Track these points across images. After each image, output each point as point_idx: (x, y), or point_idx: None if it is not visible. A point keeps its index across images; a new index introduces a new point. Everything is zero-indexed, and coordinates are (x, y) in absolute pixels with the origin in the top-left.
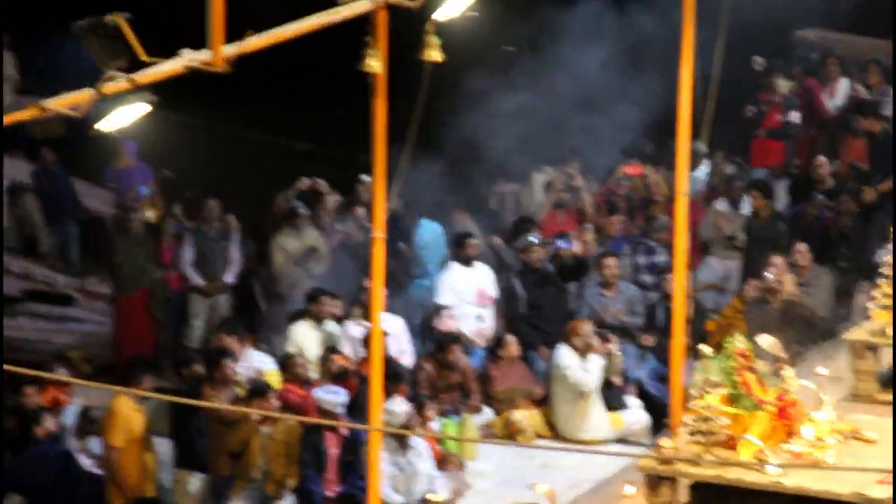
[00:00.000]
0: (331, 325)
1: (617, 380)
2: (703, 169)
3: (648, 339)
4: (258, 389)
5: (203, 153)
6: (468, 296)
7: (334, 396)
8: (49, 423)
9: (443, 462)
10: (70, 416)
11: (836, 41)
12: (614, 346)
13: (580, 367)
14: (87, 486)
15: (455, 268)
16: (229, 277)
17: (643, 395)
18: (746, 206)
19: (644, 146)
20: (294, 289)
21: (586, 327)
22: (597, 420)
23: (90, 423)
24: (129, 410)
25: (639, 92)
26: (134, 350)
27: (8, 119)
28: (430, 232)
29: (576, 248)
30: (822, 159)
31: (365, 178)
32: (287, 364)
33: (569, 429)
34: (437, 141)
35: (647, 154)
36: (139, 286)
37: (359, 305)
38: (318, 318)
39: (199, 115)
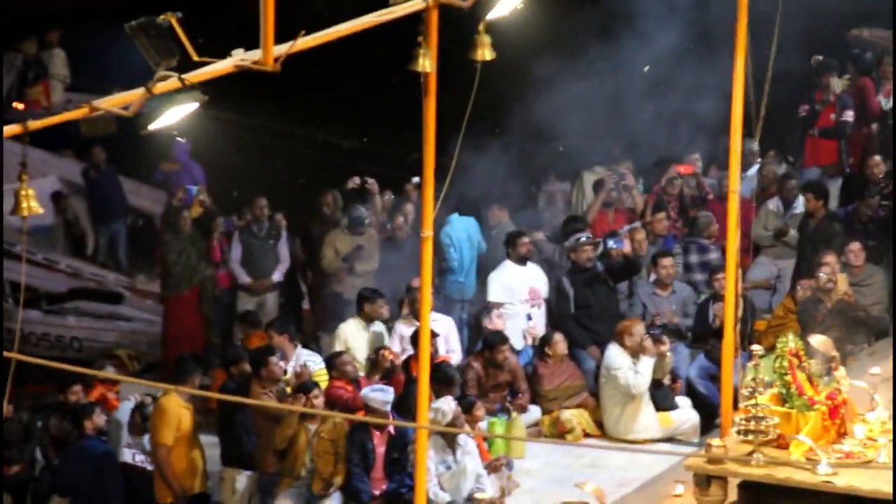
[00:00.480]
0: (379, 326)
1: (666, 380)
2: (755, 168)
3: (698, 340)
4: (303, 386)
5: (253, 151)
6: (521, 294)
7: (382, 394)
8: (98, 419)
9: (490, 461)
10: (124, 412)
11: (891, 40)
12: (666, 347)
13: (631, 368)
14: (131, 483)
15: (508, 266)
16: (277, 276)
17: (693, 393)
18: (799, 206)
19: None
20: (343, 287)
21: (639, 328)
22: (646, 420)
23: (144, 420)
24: (178, 407)
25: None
26: (183, 348)
27: (60, 118)
28: (461, 227)
29: (626, 247)
30: (876, 159)
31: (415, 179)
32: (334, 362)
33: (618, 429)
34: (488, 137)
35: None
36: (190, 284)
37: (406, 304)
38: (368, 318)
39: (250, 113)
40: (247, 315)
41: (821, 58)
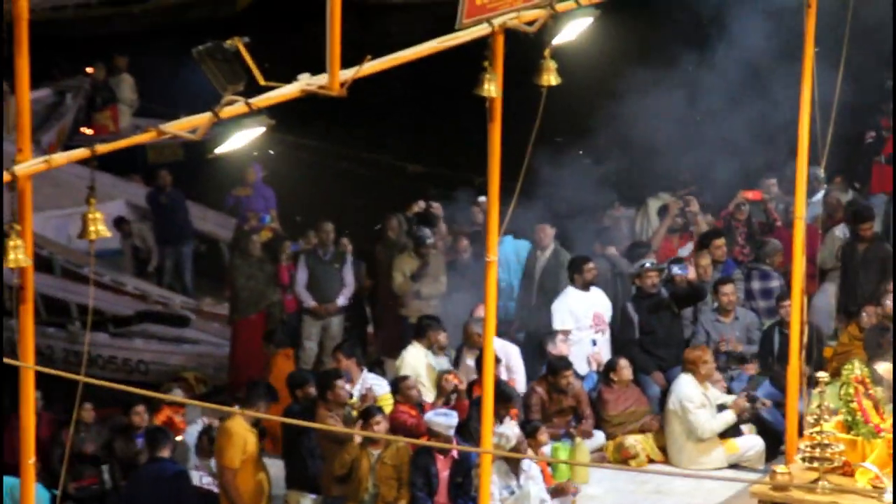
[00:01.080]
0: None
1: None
2: (821, 194)
3: (752, 368)
4: (366, 412)
5: (318, 175)
6: (585, 320)
7: (445, 419)
8: (168, 443)
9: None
10: (192, 435)
11: None
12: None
13: (704, 404)
14: None
15: (571, 292)
16: (342, 300)
17: (759, 420)
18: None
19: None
20: (409, 311)
21: (709, 356)
22: (711, 452)
23: (211, 443)
24: (244, 431)
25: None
26: (250, 371)
27: (127, 142)
28: (511, 250)
29: (691, 273)
30: None
31: (481, 199)
32: (399, 386)
33: (681, 459)
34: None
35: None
36: (258, 308)
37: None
38: (428, 346)
39: (316, 137)
40: (272, 334)
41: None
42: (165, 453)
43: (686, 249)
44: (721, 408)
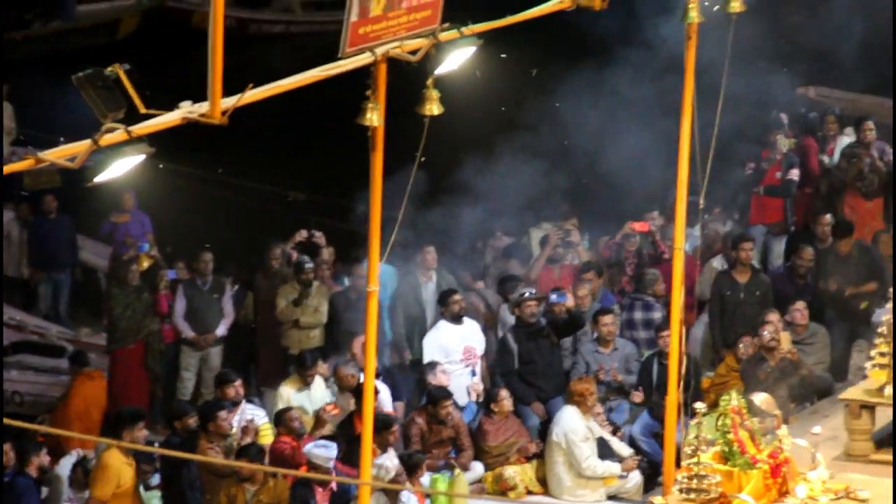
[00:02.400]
0: (319, 385)
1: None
2: (700, 226)
3: (638, 396)
4: (245, 451)
5: (199, 203)
6: (456, 354)
7: (325, 450)
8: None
9: None
10: (66, 467)
11: (835, 99)
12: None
13: (586, 433)
14: None
15: (442, 325)
16: (222, 330)
17: (636, 451)
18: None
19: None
20: (290, 342)
21: (594, 388)
22: (590, 483)
23: (86, 475)
24: (120, 464)
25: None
26: (129, 402)
27: (6, 169)
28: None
29: (569, 302)
30: (827, 217)
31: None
32: (282, 418)
33: (561, 490)
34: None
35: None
36: (136, 338)
37: (342, 373)
38: (305, 381)
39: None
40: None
41: (776, 113)
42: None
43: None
44: (602, 441)
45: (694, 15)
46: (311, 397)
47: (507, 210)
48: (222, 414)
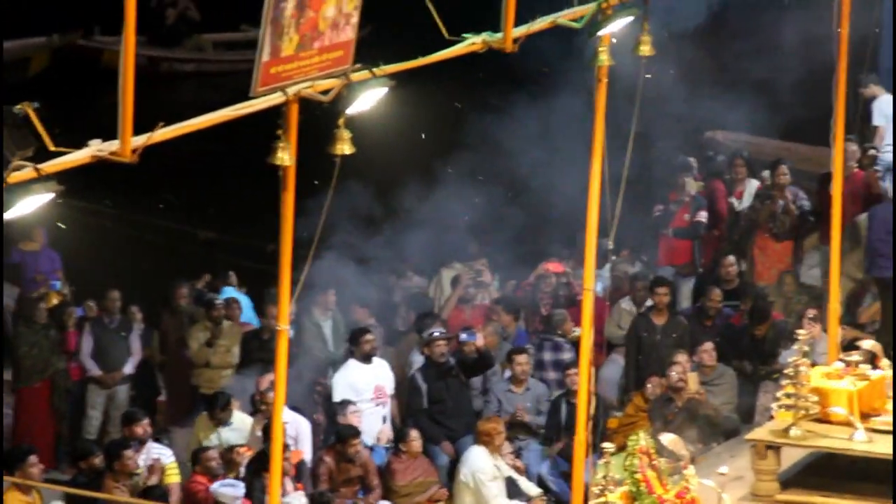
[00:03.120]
0: (236, 419)
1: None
2: (609, 267)
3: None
4: (149, 492)
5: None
6: (367, 393)
7: (232, 490)
8: None
9: None
10: None
11: (744, 143)
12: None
13: (494, 473)
14: None
15: (352, 364)
16: (129, 368)
17: (545, 491)
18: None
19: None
20: (200, 381)
21: (502, 428)
22: None
23: None
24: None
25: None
26: (34, 442)
27: None
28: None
29: (479, 342)
30: (730, 259)
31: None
32: (199, 457)
33: None
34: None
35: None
36: (42, 377)
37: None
38: (218, 421)
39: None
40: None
41: (684, 157)
42: None
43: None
44: (511, 481)
45: (604, 58)
46: (223, 437)
47: (419, 250)
48: (128, 453)
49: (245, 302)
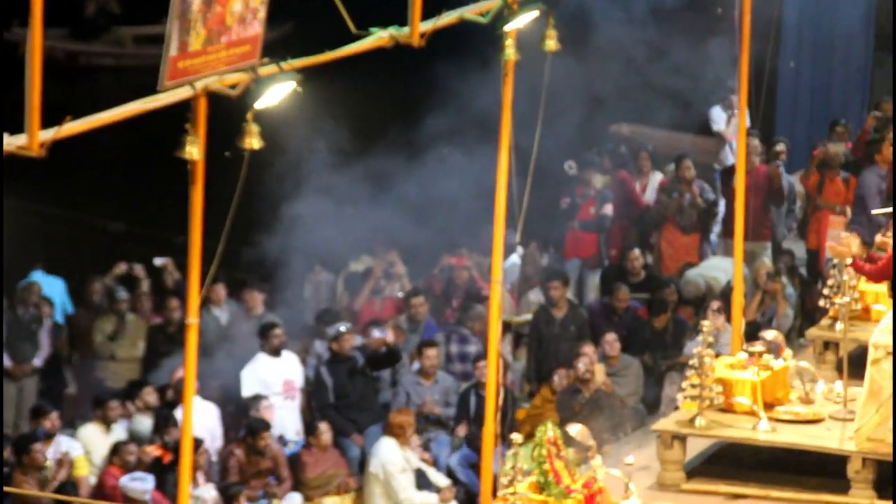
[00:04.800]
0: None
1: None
2: (516, 259)
3: (460, 431)
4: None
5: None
6: (276, 387)
7: (141, 483)
8: None
9: None
10: None
11: (648, 136)
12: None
13: (403, 465)
14: None
15: (261, 358)
16: (38, 361)
17: (454, 482)
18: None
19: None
20: (107, 374)
21: (411, 419)
22: None
23: None
24: None
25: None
26: None
27: None
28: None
29: (388, 336)
30: (636, 252)
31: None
32: (120, 450)
33: None
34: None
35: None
36: None
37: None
38: (106, 422)
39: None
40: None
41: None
42: None
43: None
44: (421, 472)
45: (510, 52)
46: (135, 428)
47: (328, 244)
48: (37, 446)
49: (59, 287)
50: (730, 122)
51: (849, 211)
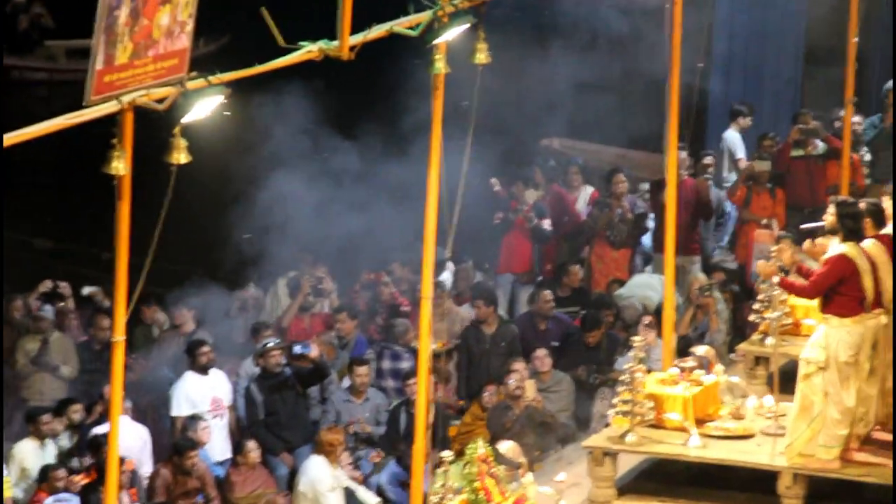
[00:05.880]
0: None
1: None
2: (448, 275)
3: (377, 457)
4: None
5: None
6: (204, 405)
7: None
8: None
9: None
10: None
11: (579, 150)
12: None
13: (332, 483)
14: None
15: (189, 376)
16: None
17: (384, 500)
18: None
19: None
20: (31, 394)
21: (342, 437)
22: None
23: None
24: None
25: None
26: None
27: None
28: None
29: (314, 352)
30: (576, 267)
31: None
32: (48, 476)
33: None
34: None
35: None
36: None
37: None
38: (40, 437)
39: None
40: None
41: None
42: None
43: None
44: (349, 491)
45: (440, 66)
46: (59, 446)
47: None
48: None
49: None
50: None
51: (775, 225)
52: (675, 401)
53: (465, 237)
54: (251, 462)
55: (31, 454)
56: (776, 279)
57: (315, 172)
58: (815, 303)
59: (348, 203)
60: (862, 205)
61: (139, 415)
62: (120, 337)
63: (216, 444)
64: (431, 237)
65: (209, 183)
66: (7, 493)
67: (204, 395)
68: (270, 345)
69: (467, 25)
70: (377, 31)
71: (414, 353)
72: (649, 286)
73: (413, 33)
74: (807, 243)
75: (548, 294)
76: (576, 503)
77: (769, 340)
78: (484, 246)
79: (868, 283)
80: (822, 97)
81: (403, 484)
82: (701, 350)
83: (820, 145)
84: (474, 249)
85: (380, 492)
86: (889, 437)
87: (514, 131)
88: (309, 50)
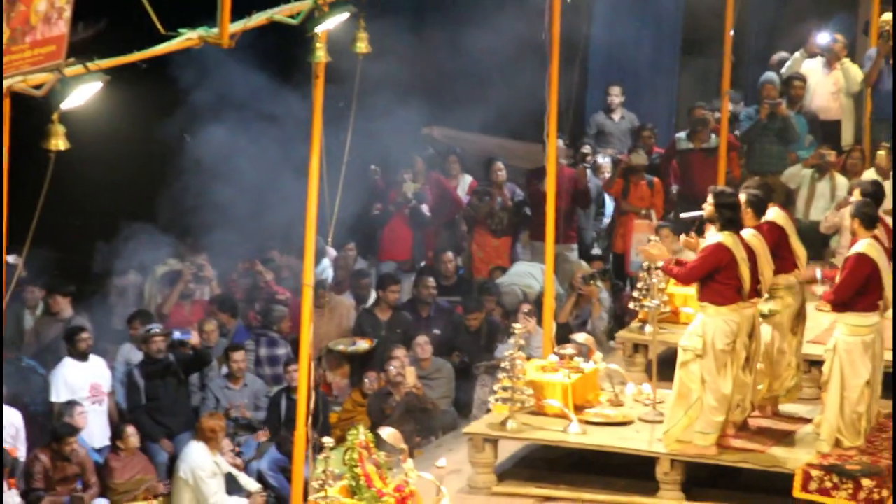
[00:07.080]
0: None
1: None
2: (327, 261)
3: (264, 436)
4: None
5: None
6: (82, 391)
7: None
8: None
9: None
10: None
11: (459, 139)
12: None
13: (213, 469)
14: None
15: (67, 362)
16: None
17: (264, 486)
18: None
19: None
20: None
21: (222, 423)
22: None
23: None
24: None
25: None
26: None
27: None
28: None
29: (194, 339)
30: (449, 255)
31: None
32: None
33: None
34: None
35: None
36: None
37: None
38: None
39: None
40: None
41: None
42: None
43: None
44: (230, 477)
45: (321, 55)
46: None
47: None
48: None
49: None
50: None
51: (654, 215)
52: (554, 388)
53: (346, 225)
54: (130, 448)
55: None
56: (661, 263)
57: (193, 159)
58: (693, 291)
59: (230, 188)
60: (743, 195)
61: (13, 400)
62: None
63: (95, 431)
64: (312, 225)
65: (87, 171)
66: None
67: (83, 382)
68: (154, 331)
69: (347, 14)
70: (257, 19)
71: (291, 340)
72: (530, 274)
73: (294, 22)
74: (683, 236)
75: (430, 281)
76: (456, 489)
77: (648, 328)
78: (365, 234)
79: (745, 272)
80: (699, 88)
81: (284, 470)
82: (580, 338)
83: (713, 138)
84: (355, 237)
85: (260, 478)
86: (764, 423)
87: (396, 119)
88: (189, 38)
